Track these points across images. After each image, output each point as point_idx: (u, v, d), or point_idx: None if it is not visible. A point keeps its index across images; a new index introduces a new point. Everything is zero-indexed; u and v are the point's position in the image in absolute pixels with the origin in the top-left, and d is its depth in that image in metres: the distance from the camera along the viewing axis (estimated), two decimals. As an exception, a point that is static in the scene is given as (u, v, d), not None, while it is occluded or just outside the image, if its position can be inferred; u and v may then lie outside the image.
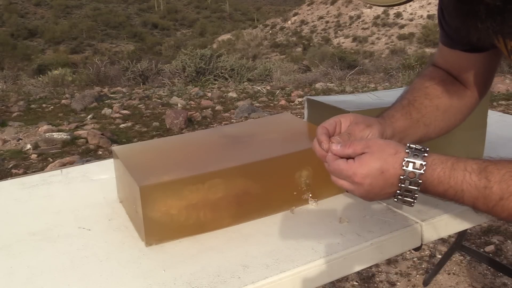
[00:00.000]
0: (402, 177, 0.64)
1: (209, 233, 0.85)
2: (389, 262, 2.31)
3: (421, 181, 0.63)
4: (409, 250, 0.93)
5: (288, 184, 0.92)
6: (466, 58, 0.84)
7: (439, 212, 0.89)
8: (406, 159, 0.63)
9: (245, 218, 0.88)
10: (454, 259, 2.29)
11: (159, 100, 7.26)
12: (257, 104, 6.86)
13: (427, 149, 0.64)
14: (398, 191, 0.65)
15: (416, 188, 0.64)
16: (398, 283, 2.15)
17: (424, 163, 0.62)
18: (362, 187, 0.66)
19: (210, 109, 6.55)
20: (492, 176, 0.57)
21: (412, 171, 0.63)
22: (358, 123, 0.76)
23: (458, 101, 0.87)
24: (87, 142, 4.85)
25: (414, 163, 0.63)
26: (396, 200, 0.67)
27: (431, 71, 0.90)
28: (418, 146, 0.64)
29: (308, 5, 72.40)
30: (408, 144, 0.65)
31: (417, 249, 0.87)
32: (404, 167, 0.63)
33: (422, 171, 0.62)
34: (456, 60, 0.86)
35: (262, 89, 8.40)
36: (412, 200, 0.66)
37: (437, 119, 0.85)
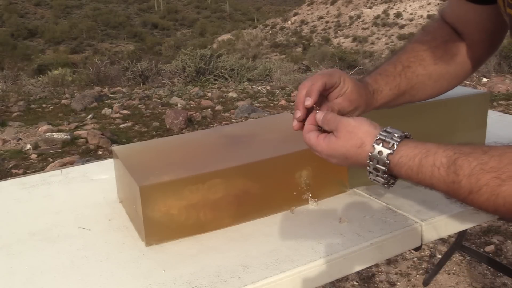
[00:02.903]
0: (368, 168, 0.63)
1: (209, 233, 0.85)
2: (389, 262, 2.31)
3: (386, 175, 0.62)
4: (409, 250, 0.93)
5: (288, 184, 0.92)
6: (473, 10, 0.80)
7: (439, 212, 0.89)
8: (370, 154, 0.62)
9: (245, 218, 0.88)
10: (454, 259, 2.29)
11: (159, 100, 7.26)
12: (257, 104, 6.86)
13: (397, 141, 0.60)
14: (368, 168, 0.64)
15: (382, 180, 0.63)
16: (398, 283, 2.15)
17: (387, 162, 0.60)
18: (330, 161, 0.68)
19: (210, 109, 6.54)
20: (461, 170, 0.54)
21: (376, 167, 0.62)
22: (351, 101, 0.74)
23: (455, 66, 0.84)
24: (87, 142, 4.85)
25: (378, 160, 0.61)
26: (369, 177, 0.66)
27: (435, 28, 0.86)
28: (388, 137, 0.61)
29: (308, 5, 72.45)
30: (379, 132, 0.62)
31: (417, 249, 0.87)
32: (369, 161, 0.62)
33: (385, 169, 0.61)
34: (463, 12, 0.82)
35: (262, 89, 8.40)
36: (385, 181, 0.64)
37: (426, 88, 0.83)
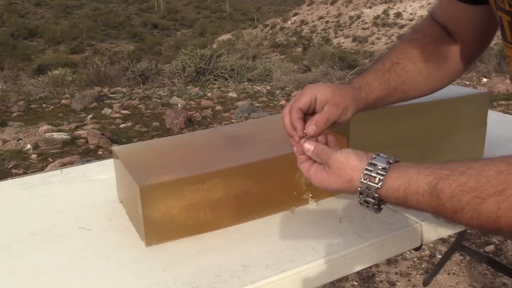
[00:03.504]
0: (359, 199, 0.66)
1: (209, 233, 0.85)
2: (389, 262, 2.31)
3: (376, 206, 0.65)
4: (409, 250, 0.93)
5: (288, 184, 0.92)
6: (464, 9, 0.80)
7: (439, 212, 0.89)
8: (359, 189, 0.64)
9: (245, 218, 0.88)
10: (454, 259, 2.29)
11: (159, 100, 7.26)
12: (257, 104, 6.86)
13: (383, 175, 0.62)
14: (359, 200, 0.67)
15: (374, 209, 0.65)
16: (398, 283, 2.15)
17: (376, 195, 0.63)
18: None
19: (210, 109, 6.54)
20: (443, 194, 0.57)
21: (366, 199, 0.65)
22: (337, 104, 0.74)
23: (446, 65, 0.84)
24: (87, 142, 4.85)
25: (367, 194, 0.64)
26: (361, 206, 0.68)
27: (425, 27, 0.86)
28: (374, 172, 0.63)
29: (308, 5, 72.48)
30: (365, 167, 0.64)
31: (417, 249, 0.87)
32: (360, 195, 0.65)
33: (375, 201, 0.64)
34: (454, 11, 0.82)
35: (262, 89, 8.40)
36: (376, 210, 0.67)
37: (418, 84, 0.83)
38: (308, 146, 0.71)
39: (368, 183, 0.63)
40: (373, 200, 0.64)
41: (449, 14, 0.84)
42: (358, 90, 0.78)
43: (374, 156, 0.65)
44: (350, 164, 0.66)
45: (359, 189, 0.64)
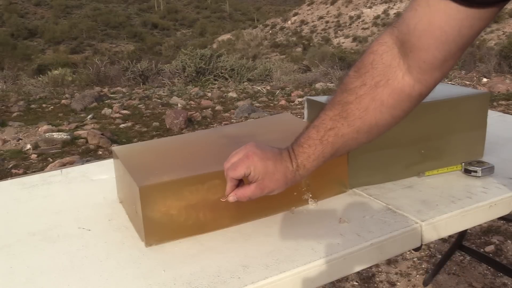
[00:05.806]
0: None
1: (209, 233, 0.85)
2: (389, 262, 2.31)
3: None
4: (409, 250, 0.93)
5: (288, 184, 0.92)
6: (455, 15, 0.61)
7: (439, 212, 0.89)
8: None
9: (245, 218, 0.88)
10: (454, 259, 2.29)
11: (159, 100, 7.26)
12: (257, 104, 6.86)
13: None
14: None
15: None
16: (398, 283, 2.15)
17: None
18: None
19: (210, 109, 6.55)
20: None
21: None
22: (263, 188, 0.79)
23: (389, 110, 0.73)
24: (87, 142, 4.85)
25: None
26: None
27: (367, 67, 0.72)
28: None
29: (308, 5, 72.47)
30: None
31: (417, 249, 0.87)
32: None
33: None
34: (438, 19, 0.63)
35: (262, 89, 8.40)
36: None
37: (358, 140, 0.77)
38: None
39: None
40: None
41: (428, 23, 0.65)
42: (294, 172, 0.78)
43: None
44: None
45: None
